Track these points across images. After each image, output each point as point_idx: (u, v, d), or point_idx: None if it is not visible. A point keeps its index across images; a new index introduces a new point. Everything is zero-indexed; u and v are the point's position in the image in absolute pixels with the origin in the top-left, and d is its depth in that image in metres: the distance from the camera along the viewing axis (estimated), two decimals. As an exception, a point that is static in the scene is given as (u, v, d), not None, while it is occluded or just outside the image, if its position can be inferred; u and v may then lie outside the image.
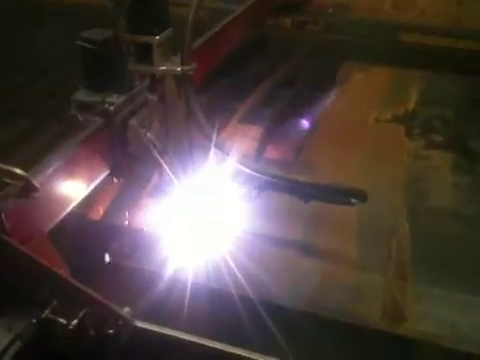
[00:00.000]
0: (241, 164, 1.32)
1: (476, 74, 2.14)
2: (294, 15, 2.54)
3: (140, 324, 0.86)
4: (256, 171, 1.32)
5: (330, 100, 2.09)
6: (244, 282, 1.16)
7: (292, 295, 1.19)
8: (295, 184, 1.32)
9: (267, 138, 1.83)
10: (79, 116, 1.13)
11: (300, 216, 1.44)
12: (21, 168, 0.89)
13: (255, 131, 1.84)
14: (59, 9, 2.82)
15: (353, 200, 1.29)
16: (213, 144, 1.31)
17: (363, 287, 1.27)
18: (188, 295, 1.07)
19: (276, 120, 1.95)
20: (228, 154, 1.32)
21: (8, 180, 0.82)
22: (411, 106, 2.03)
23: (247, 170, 1.32)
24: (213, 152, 1.32)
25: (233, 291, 1.13)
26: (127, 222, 1.30)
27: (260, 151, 1.78)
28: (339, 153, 1.75)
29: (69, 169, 1.02)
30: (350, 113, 2.00)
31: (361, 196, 1.29)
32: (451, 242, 1.41)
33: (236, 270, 1.18)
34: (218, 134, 1.69)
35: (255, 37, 2.29)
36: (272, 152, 1.81)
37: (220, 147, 1.33)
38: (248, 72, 2.20)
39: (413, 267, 1.32)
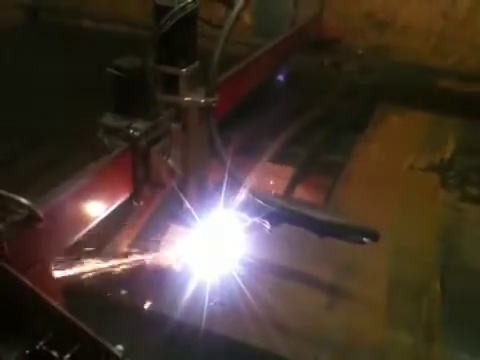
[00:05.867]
0: (257, 197, 1.34)
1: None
2: (326, 54, 2.53)
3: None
4: (271, 204, 1.34)
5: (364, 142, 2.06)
6: (265, 333, 1.13)
7: (315, 352, 1.16)
8: (310, 219, 1.33)
9: (297, 178, 1.81)
10: (105, 139, 1.14)
11: (331, 261, 1.41)
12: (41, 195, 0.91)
13: (285, 170, 1.83)
14: (93, 33, 2.89)
15: (365, 239, 1.31)
16: (232, 177, 1.32)
17: (389, 347, 1.21)
18: (200, 343, 1.04)
19: (307, 160, 1.93)
20: (247, 187, 1.34)
21: (14, 209, 0.82)
22: (447, 155, 1.98)
23: (263, 203, 1.33)
24: (231, 183, 1.32)
25: (251, 343, 1.09)
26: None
27: (289, 191, 1.75)
28: (371, 199, 1.70)
29: (83, 196, 1.01)
30: (384, 158, 1.96)
31: (373, 236, 1.31)
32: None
33: (257, 318, 1.15)
34: (248, 171, 1.69)
35: (290, 75, 2.28)
36: (302, 192, 1.78)
37: (240, 181, 1.34)
38: (282, 109, 2.19)
39: (442, 329, 1.26)
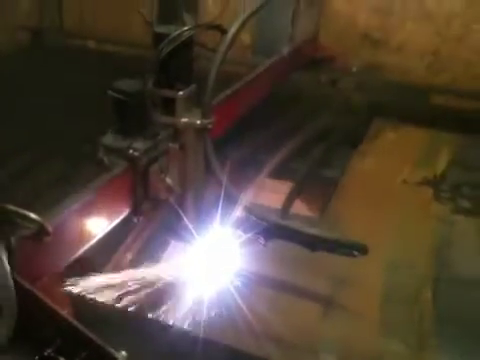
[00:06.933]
0: (250, 213, 1.37)
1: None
2: (323, 72, 2.59)
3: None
4: (265, 220, 1.37)
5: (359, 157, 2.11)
6: (261, 343, 1.17)
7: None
8: (301, 234, 1.36)
9: (294, 193, 1.86)
10: (105, 159, 1.20)
11: (325, 274, 1.45)
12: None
13: (283, 186, 1.88)
14: (100, 55, 2.95)
15: (355, 252, 1.33)
16: (228, 194, 1.36)
17: (382, 356, 1.25)
18: (199, 351, 1.07)
19: (304, 176, 1.97)
20: (242, 204, 1.37)
21: (23, 223, 0.87)
22: (441, 169, 2.03)
23: (255, 218, 1.37)
24: (227, 200, 1.36)
25: (249, 352, 1.13)
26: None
27: (287, 206, 1.80)
28: (365, 213, 1.74)
29: (86, 212, 1.06)
30: (378, 172, 2.01)
31: (362, 249, 1.33)
32: (475, 313, 1.38)
33: (254, 328, 1.19)
34: (246, 187, 1.74)
35: (288, 92, 2.34)
36: (299, 207, 1.82)
37: (236, 198, 1.38)
38: (280, 125, 2.24)
39: (434, 337, 1.30)
